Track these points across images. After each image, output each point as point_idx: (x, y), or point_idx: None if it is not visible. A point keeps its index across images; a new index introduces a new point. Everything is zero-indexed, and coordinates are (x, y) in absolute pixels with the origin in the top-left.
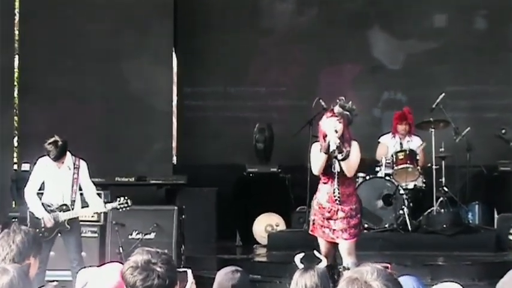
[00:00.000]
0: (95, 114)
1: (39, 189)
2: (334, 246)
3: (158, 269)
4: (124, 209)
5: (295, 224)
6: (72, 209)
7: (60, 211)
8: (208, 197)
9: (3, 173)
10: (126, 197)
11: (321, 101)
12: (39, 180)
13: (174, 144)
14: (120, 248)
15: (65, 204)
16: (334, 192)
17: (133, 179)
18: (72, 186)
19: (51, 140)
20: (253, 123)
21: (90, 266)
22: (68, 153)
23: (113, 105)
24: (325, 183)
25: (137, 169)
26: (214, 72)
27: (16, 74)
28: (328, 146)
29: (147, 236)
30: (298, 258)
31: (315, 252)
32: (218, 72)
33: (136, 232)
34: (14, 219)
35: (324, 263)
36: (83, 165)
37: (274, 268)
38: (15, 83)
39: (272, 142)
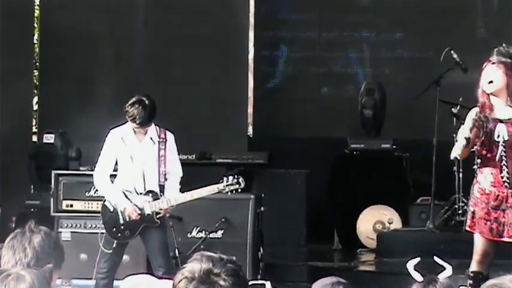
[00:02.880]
0: (141, 68)
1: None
2: (495, 249)
3: (221, 282)
4: (234, 192)
5: (415, 220)
6: (161, 196)
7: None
8: (297, 182)
9: (20, 147)
10: (236, 174)
11: (452, 52)
12: (112, 158)
13: (249, 110)
14: (176, 251)
15: (151, 191)
16: (501, 172)
17: (194, 156)
18: (159, 166)
19: (135, 99)
20: (358, 81)
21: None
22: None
23: (166, 55)
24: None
25: (200, 143)
26: (304, 11)
27: (36, 13)
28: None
29: (213, 235)
30: (411, 265)
31: (436, 258)
32: (309, 11)
33: (198, 229)
34: (32, 210)
35: (448, 272)
36: (170, 138)
37: (386, 280)
38: (35, 24)
39: (384, 108)
